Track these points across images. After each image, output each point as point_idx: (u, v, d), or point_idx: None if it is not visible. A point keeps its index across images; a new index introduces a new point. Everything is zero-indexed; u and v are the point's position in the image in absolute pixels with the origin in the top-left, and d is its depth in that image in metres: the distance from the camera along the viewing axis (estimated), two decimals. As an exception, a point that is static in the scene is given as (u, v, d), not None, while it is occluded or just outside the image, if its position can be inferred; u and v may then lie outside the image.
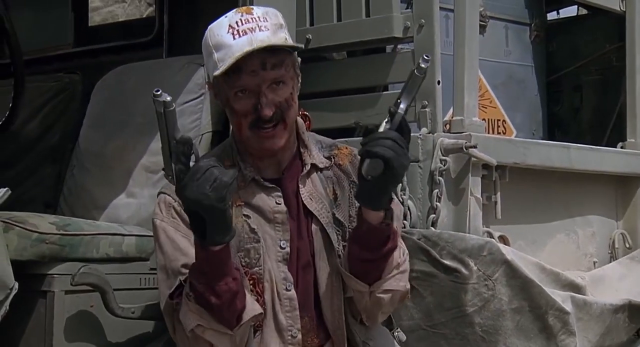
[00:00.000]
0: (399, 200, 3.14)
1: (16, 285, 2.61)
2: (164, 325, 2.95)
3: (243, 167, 2.49)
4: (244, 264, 2.42)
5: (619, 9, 4.21)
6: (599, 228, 3.89)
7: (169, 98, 2.17)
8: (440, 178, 3.16)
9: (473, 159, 3.21)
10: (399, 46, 3.50)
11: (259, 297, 2.42)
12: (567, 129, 4.65)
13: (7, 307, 2.61)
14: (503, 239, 3.33)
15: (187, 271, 2.35)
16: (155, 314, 2.98)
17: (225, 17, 2.45)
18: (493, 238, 3.26)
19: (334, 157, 2.58)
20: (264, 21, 2.42)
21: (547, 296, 3.21)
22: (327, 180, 2.56)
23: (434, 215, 3.16)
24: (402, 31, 3.33)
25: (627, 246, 3.92)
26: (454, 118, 3.33)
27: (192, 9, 4.00)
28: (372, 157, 2.27)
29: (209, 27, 2.47)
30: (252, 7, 2.45)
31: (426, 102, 3.26)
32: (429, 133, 3.22)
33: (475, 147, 3.18)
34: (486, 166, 3.29)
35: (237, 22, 2.41)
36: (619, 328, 3.60)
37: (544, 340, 3.22)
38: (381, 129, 2.30)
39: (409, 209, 3.16)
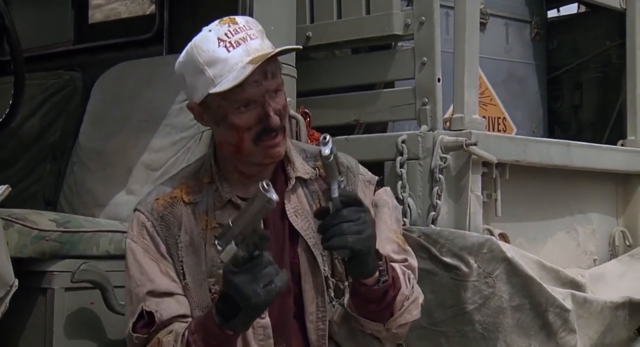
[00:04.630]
0: (399, 197, 3.14)
1: (16, 282, 2.61)
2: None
3: (220, 188, 2.42)
4: (213, 290, 2.35)
5: (619, 7, 4.21)
6: (599, 226, 3.89)
7: (274, 197, 2.09)
8: (441, 176, 3.16)
9: (473, 156, 3.21)
10: (400, 43, 3.50)
11: None
12: (568, 127, 4.65)
13: (7, 305, 2.60)
14: (503, 237, 3.33)
15: (152, 298, 2.31)
16: (155, 312, 2.99)
17: (209, 30, 2.34)
18: (493, 236, 3.26)
19: (318, 169, 2.49)
20: (249, 29, 2.35)
21: (547, 293, 3.21)
22: (312, 194, 2.47)
23: (434, 213, 3.16)
24: (403, 29, 3.34)
25: (628, 243, 3.92)
26: (454, 115, 3.33)
27: (193, 6, 4.00)
28: (335, 250, 2.25)
29: (191, 43, 2.35)
30: (234, 17, 2.37)
31: (426, 100, 3.26)
32: (429, 131, 3.22)
33: (475, 144, 3.18)
34: (486, 164, 3.29)
35: (226, 34, 2.32)
36: (619, 326, 3.60)
37: (544, 337, 3.22)
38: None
39: (409, 206, 3.17)
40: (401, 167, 3.18)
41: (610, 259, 3.86)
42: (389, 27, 3.35)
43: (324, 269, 2.42)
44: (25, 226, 2.80)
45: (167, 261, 2.37)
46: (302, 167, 2.48)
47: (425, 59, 3.28)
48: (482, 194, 3.28)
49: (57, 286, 2.78)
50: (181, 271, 2.37)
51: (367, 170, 2.58)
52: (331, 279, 2.44)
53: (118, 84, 3.63)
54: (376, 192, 2.55)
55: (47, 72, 3.99)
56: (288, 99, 2.47)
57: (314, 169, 2.49)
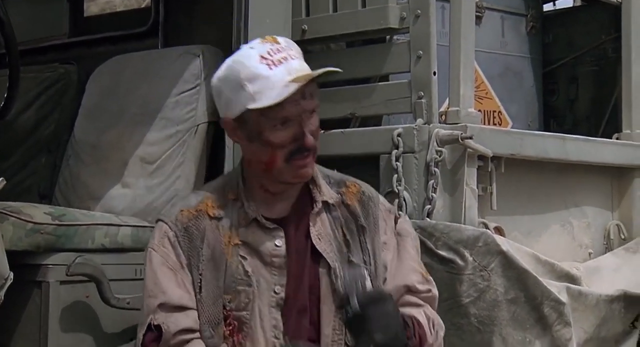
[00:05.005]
0: (395, 190, 3.14)
1: (11, 275, 2.61)
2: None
3: (247, 206, 2.44)
4: (228, 307, 2.38)
5: (615, 0, 4.20)
6: (594, 219, 3.89)
7: None
8: (436, 169, 3.16)
9: (469, 150, 3.21)
10: (395, 37, 3.50)
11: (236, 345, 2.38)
12: (563, 120, 4.65)
13: (2, 298, 2.60)
14: (498, 230, 3.33)
15: (162, 312, 2.33)
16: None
17: (252, 48, 2.39)
18: (488, 229, 3.25)
19: (342, 195, 2.53)
20: (290, 50, 2.40)
21: (542, 286, 3.22)
22: (335, 221, 2.50)
23: (429, 206, 3.16)
24: (398, 22, 3.33)
25: (622, 236, 3.92)
26: (450, 109, 3.33)
27: (188, 0, 3.99)
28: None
29: (233, 59, 2.39)
30: (275, 36, 2.42)
31: (422, 93, 3.25)
32: (425, 124, 3.22)
33: (471, 138, 3.18)
34: (482, 157, 3.28)
35: (268, 52, 2.36)
36: (614, 319, 3.60)
37: (539, 330, 3.22)
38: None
39: (404, 200, 3.16)
40: (397, 160, 3.17)
41: (605, 253, 3.85)
42: (385, 21, 3.35)
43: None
44: (20, 219, 2.80)
45: (185, 272, 2.39)
46: (327, 192, 2.52)
47: (421, 52, 3.27)
48: (477, 187, 3.28)
49: (52, 279, 2.78)
50: (199, 284, 2.38)
51: (385, 199, 2.64)
52: None
53: (113, 77, 3.63)
54: (397, 221, 2.61)
55: (42, 65, 3.99)
56: None
57: (338, 194, 2.53)
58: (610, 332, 3.63)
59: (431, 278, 2.58)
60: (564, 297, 3.29)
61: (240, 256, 2.40)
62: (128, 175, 3.34)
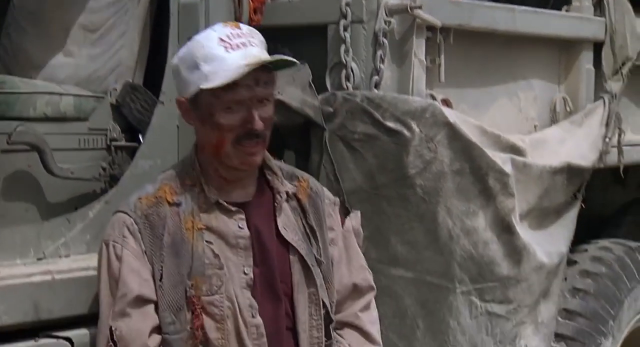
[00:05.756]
0: (343, 61, 3.11)
1: (-51, 143, 2.57)
2: (105, 185, 2.95)
3: (207, 190, 2.48)
4: (189, 294, 2.41)
5: None
6: (541, 92, 3.91)
7: None
8: (384, 39, 3.13)
9: (417, 20, 3.17)
10: None
11: (200, 332, 2.42)
12: (513, -8, 4.60)
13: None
14: (446, 102, 3.33)
15: (122, 307, 2.38)
16: (95, 175, 2.96)
17: (213, 30, 2.44)
18: (436, 101, 3.25)
19: (296, 187, 2.62)
20: (252, 37, 2.44)
21: (487, 158, 3.25)
22: (293, 210, 2.59)
23: (377, 77, 3.14)
24: None
25: (568, 109, 3.95)
26: (399, -22, 3.27)
27: None
28: None
29: (194, 38, 2.46)
30: (238, 23, 2.47)
31: (370, -38, 3.19)
32: (374, -7, 3.17)
33: (420, 7, 3.14)
34: (431, 28, 3.25)
35: (228, 36, 2.41)
36: (557, 190, 3.66)
37: (483, 201, 3.27)
38: None
39: (352, 70, 3.14)
40: (345, 30, 3.13)
41: (551, 125, 3.89)
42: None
43: (317, 280, 2.54)
44: (-42, 86, 2.74)
45: (145, 260, 2.42)
46: (285, 184, 2.59)
47: None
48: (425, 59, 3.26)
49: (-7, 148, 2.74)
50: (160, 271, 2.41)
51: (329, 191, 2.77)
52: (323, 287, 2.57)
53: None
54: (347, 218, 2.76)
55: None
56: None
57: (293, 186, 2.60)
58: (552, 203, 3.70)
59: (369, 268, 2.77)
60: (508, 169, 3.33)
61: (206, 241, 2.45)
62: (70, 43, 3.26)
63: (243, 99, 2.41)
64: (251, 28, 2.51)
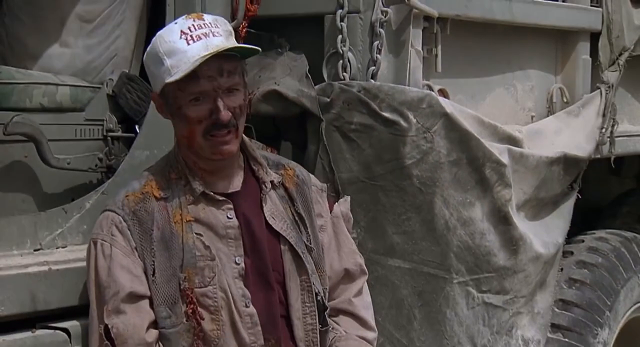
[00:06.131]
0: (339, 51, 3.11)
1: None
2: (101, 176, 2.95)
3: (192, 181, 2.49)
4: (187, 285, 2.41)
5: None
6: (538, 82, 3.91)
7: None
8: (381, 30, 3.12)
9: (414, 10, 3.17)
10: None
11: (197, 324, 2.42)
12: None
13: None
14: (443, 92, 3.33)
15: (116, 303, 2.38)
16: (91, 166, 2.96)
17: (175, 23, 2.45)
18: (433, 91, 3.25)
19: (282, 176, 2.63)
20: (215, 27, 2.43)
21: (484, 148, 3.24)
22: (281, 198, 2.59)
23: (374, 67, 3.13)
24: None
25: (565, 100, 3.95)
26: (396, -32, 3.26)
27: None
28: None
29: (158, 34, 2.46)
30: (201, 13, 2.47)
31: (368, -48, 3.18)
32: (371, -17, 3.16)
33: (417, -3, 3.13)
34: (427, 18, 3.25)
35: (189, 28, 2.41)
36: (553, 180, 3.67)
37: (480, 192, 3.27)
38: None
39: (348, 61, 3.13)
40: (341, 20, 3.13)
41: (548, 116, 3.89)
42: None
43: (308, 267, 2.55)
44: (-46, 76, 2.73)
45: (135, 257, 2.42)
46: (270, 173, 2.60)
47: None
48: (422, 49, 3.25)
49: (-11, 138, 2.73)
50: (152, 267, 2.41)
51: (316, 178, 2.79)
52: (315, 274, 2.58)
53: None
54: (335, 204, 2.76)
55: None
56: None
57: (279, 175, 2.61)
58: (549, 193, 3.70)
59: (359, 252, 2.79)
60: (505, 159, 3.33)
61: (196, 233, 2.45)
62: (67, 34, 3.25)
63: (206, 90, 2.41)
64: (217, 17, 2.51)
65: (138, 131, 3.00)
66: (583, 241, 4.22)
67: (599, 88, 4.00)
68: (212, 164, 2.51)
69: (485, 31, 3.60)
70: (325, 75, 3.16)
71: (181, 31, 2.41)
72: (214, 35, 2.42)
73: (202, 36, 2.41)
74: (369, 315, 2.75)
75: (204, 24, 2.43)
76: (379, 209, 3.13)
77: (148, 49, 2.49)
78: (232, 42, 2.46)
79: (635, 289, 4.14)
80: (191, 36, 2.40)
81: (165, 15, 3.01)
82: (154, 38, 2.47)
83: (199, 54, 2.38)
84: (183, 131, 2.47)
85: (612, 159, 4.09)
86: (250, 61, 2.69)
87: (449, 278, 3.23)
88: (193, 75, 2.37)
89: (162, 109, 2.52)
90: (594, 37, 4.06)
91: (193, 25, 2.42)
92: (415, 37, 3.21)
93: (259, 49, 2.53)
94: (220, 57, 2.39)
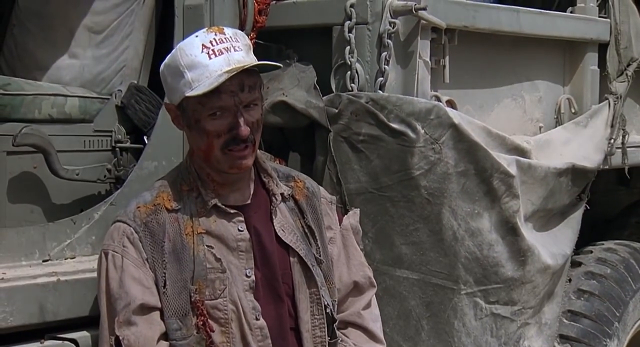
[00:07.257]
0: (347, 62, 3.11)
1: (-44, 146, 2.57)
2: (110, 187, 2.96)
3: (204, 194, 2.49)
4: (198, 298, 2.41)
5: None
6: (546, 93, 3.91)
7: None
8: (389, 41, 3.13)
9: (422, 21, 3.17)
10: None
11: (207, 336, 2.42)
12: (518, -7, 4.60)
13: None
14: (450, 103, 3.33)
15: (127, 314, 2.37)
16: (100, 177, 2.97)
17: (196, 36, 2.44)
18: (441, 102, 3.25)
19: (292, 188, 2.63)
20: (236, 41, 2.44)
21: (492, 159, 3.24)
22: (291, 211, 2.60)
23: (382, 78, 3.14)
24: None
25: (573, 111, 3.95)
26: (404, -21, 3.27)
27: None
28: None
29: (178, 46, 2.46)
30: (222, 27, 2.46)
31: (375, -36, 3.19)
32: (378, -6, 3.16)
33: (424, 9, 3.14)
34: (435, 29, 3.25)
35: (210, 42, 2.41)
36: (561, 191, 3.66)
37: (488, 202, 3.26)
38: None
39: (356, 72, 3.14)
40: (349, 32, 3.13)
41: (556, 126, 3.88)
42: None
43: (318, 279, 2.56)
44: (-37, 89, 2.74)
45: (146, 268, 2.42)
46: (280, 186, 2.60)
47: None
48: (430, 60, 3.26)
49: (-1, 150, 2.74)
50: (163, 278, 2.41)
51: (325, 190, 2.79)
52: (324, 286, 2.58)
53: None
54: (344, 217, 2.77)
55: None
56: None
57: (289, 188, 2.62)
58: (557, 204, 3.69)
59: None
60: (513, 170, 3.32)
61: (207, 245, 2.45)
62: (75, 45, 3.26)
63: (227, 105, 2.42)
64: (237, 31, 2.51)
65: (146, 142, 3.00)
66: (592, 252, 4.21)
67: (607, 99, 3.99)
68: (225, 177, 2.51)
69: (493, 42, 3.60)
70: (333, 87, 3.16)
71: (202, 45, 2.41)
72: (235, 50, 2.42)
73: (223, 51, 2.41)
74: (377, 328, 2.74)
75: (225, 38, 2.43)
76: (386, 220, 3.13)
77: (167, 60, 2.48)
78: (252, 57, 2.47)
79: (644, 300, 4.13)
80: (213, 50, 2.40)
81: (174, 26, 3.02)
82: (174, 50, 2.47)
83: (220, 69, 2.38)
84: (200, 144, 2.47)
85: (626, 169, 4.09)
86: (258, 72, 2.70)
87: (457, 289, 3.22)
88: (214, 90, 2.37)
89: (178, 120, 2.52)
90: (602, 47, 4.06)
91: (215, 39, 2.42)
92: (423, 48, 3.22)
93: (280, 65, 2.54)
94: (242, 72, 2.39)
